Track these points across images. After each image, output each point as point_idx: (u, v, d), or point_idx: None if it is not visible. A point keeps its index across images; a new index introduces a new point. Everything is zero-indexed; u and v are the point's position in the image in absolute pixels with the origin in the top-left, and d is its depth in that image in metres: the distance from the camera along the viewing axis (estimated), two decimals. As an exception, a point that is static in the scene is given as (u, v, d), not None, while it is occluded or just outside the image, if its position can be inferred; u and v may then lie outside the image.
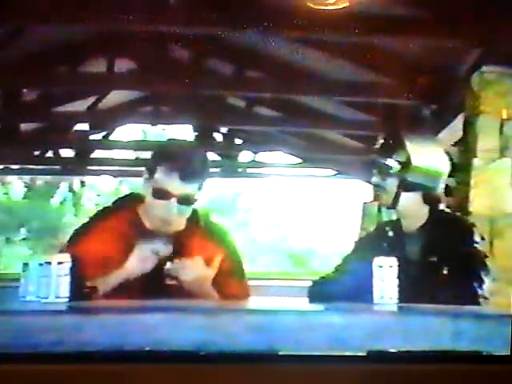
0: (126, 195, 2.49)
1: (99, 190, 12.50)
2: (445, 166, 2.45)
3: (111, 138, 7.24)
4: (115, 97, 6.34)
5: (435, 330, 1.61)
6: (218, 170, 7.24)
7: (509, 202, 3.84)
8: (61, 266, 1.85)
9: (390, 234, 2.45)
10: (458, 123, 4.30)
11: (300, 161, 7.23)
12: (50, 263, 1.85)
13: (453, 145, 4.24)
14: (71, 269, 1.87)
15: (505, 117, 3.91)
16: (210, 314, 1.66)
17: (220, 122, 6.57)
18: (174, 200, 2.17)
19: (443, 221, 2.41)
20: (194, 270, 2.14)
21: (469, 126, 4.04)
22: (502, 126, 3.92)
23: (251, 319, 1.63)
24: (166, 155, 2.23)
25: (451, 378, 1.56)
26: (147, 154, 2.41)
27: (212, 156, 6.99)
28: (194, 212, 2.32)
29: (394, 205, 2.42)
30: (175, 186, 2.16)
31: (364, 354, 1.58)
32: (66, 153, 7.29)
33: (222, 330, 1.56)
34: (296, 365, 1.55)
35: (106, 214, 2.33)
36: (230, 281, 2.27)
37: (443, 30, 3.90)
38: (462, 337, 1.58)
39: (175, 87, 5.25)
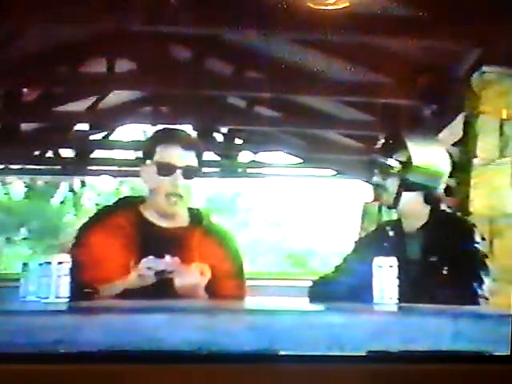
0: (127, 196, 2.51)
1: (99, 190, 12.50)
2: (446, 166, 2.45)
3: (111, 138, 7.23)
4: (115, 97, 6.34)
5: (435, 330, 1.61)
6: (217, 170, 7.24)
7: (509, 201, 3.84)
8: (61, 265, 1.86)
9: (391, 233, 2.45)
10: (458, 123, 4.30)
11: (300, 161, 7.23)
12: (49, 263, 1.85)
13: (453, 145, 4.24)
14: (72, 269, 1.87)
15: (505, 117, 3.91)
16: (210, 314, 1.66)
17: (220, 122, 6.58)
18: (179, 173, 2.24)
19: (444, 221, 2.41)
20: (188, 277, 2.15)
21: (469, 126, 4.04)
22: (501, 126, 3.92)
23: (251, 319, 1.63)
24: (163, 134, 2.38)
25: (451, 377, 1.56)
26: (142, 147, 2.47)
27: (212, 156, 7.00)
28: (197, 211, 2.34)
29: (394, 205, 2.42)
30: (178, 155, 2.26)
31: (364, 354, 1.58)
32: (66, 153, 7.28)
33: (222, 330, 1.56)
34: (296, 365, 1.55)
35: (109, 213, 2.34)
36: (230, 281, 2.27)
37: (443, 30, 3.90)
38: (462, 337, 1.58)
39: (175, 87, 5.25)
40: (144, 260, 2.12)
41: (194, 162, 2.29)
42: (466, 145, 4.05)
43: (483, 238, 2.43)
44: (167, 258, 2.13)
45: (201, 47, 5.50)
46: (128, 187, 11.56)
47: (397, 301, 1.96)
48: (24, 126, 6.38)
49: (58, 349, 1.50)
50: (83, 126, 6.86)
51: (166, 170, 2.26)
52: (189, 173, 2.27)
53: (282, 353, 1.58)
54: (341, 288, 2.23)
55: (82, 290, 2.02)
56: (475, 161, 3.90)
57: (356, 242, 2.62)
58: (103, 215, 2.35)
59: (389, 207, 2.47)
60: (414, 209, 2.42)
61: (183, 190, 2.27)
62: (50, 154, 7.16)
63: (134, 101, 6.61)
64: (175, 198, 2.26)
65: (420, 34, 4.00)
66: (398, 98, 5.06)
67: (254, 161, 7.38)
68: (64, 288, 1.85)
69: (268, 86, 5.18)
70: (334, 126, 6.27)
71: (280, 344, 1.57)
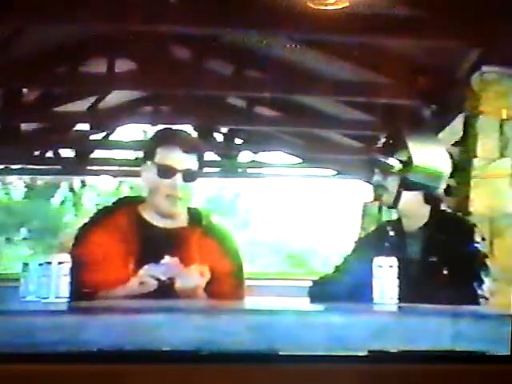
0: (126, 196, 2.51)
1: (99, 190, 12.50)
2: (446, 166, 2.45)
3: (111, 137, 7.23)
4: (115, 97, 6.34)
5: (435, 330, 1.61)
6: (217, 169, 7.24)
7: (509, 201, 3.84)
8: (61, 265, 1.86)
9: (391, 233, 2.45)
10: (457, 123, 4.30)
11: (300, 161, 7.23)
12: (50, 263, 1.85)
13: (453, 145, 4.24)
14: (72, 269, 1.87)
15: (505, 117, 3.91)
16: (210, 314, 1.66)
17: (220, 122, 6.58)
18: (179, 176, 2.23)
19: (444, 221, 2.41)
20: (189, 280, 2.15)
21: (469, 126, 4.04)
22: (501, 126, 3.92)
23: (251, 319, 1.63)
24: (165, 135, 2.36)
25: (451, 377, 1.56)
26: (143, 148, 2.46)
27: (212, 156, 7.00)
28: (196, 211, 2.33)
29: (394, 204, 2.42)
30: (179, 158, 2.25)
31: (364, 353, 1.58)
32: (66, 153, 7.29)
33: (222, 329, 1.56)
34: (296, 365, 1.55)
35: (108, 213, 2.34)
36: (230, 281, 2.27)
37: (443, 30, 3.89)
38: (462, 337, 1.58)
39: (175, 87, 5.25)
40: (146, 267, 2.11)
41: (195, 165, 2.28)
42: (466, 145, 4.05)
43: (483, 238, 2.42)
44: (166, 258, 2.13)
45: (201, 47, 5.50)
46: (128, 187, 11.55)
47: (397, 301, 1.96)
48: (24, 126, 6.38)
49: (58, 349, 1.50)
50: (83, 126, 6.86)
51: (166, 172, 2.25)
52: (189, 176, 2.27)
53: (282, 353, 1.58)
54: (341, 288, 2.23)
55: (82, 290, 2.01)
56: (475, 161, 3.90)
57: (356, 242, 2.62)
58: (102, 215, 2.35)
59: (389, 207, 2.46)
60: (414, 209, 2.42)
61: (183, 193, 2.27)
62: (49, 154, 7.16)
63: (134, 101, 6.61)
64: (175, 200, 2.26)
65: (420, 34, 4.00)
66: (398, 98, 5.06)
67: (253, 161, 7.39)
68: (64, 288, 1.85)
69: (268, 85, 5.18)
70: (334, 125, 6.27)
71: (280, 344, 1.57)
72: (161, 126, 2.63)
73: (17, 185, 11.72)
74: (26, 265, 1.87)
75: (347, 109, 5.80)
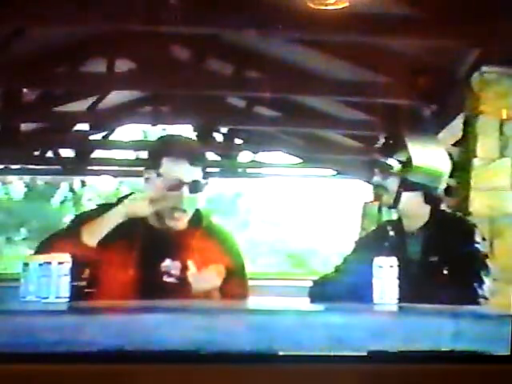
0: (127, 195, 2.48)
1: (99, 190, 12.50)
2: (446, 166, 2.45)
3: (111, 138, 7.24)
4: (115, 97, 6.34)
5: (435, 330, 1.61)
6: (217, 170, 7.24)
7: (509, 201, 3.84)
8: (61, 265, 1.86)
9: (391, 233, 2.45)
10: (457, 123, 4.30)
11: (300, 161, 7.23)
12: (50, 263, 1.85)
13: (453, 145, 4.24)
14: (72, 269, 1.87)
15: (505, 117, 3.91)
16: (210, 314, 1.66)
17: (220, 122, 6.58)
18: (185, 188, 2.22)
19: (444, 221, 2.41)
20: (208, 281, 2.16)
21: (469, 126, 4.04)
22: (501, 126, 3.92)
23: (251, 319, 1.63)
24: (170, 145, 2.32)
25: (451, 377, 1.55)
26: (147, 154, 2.43)
27: (212, 156, 7.00)
28: (197, 212, 2.32)
29: (395, 204, 2.42)
30: (186, 171, 2.22)
31: (364, 354, 1.58)
32: (66, 153, 7.29)
33: (222, 329, 1.56)
34: (296, 365, 1.55)
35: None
36: (231, 281, 2.27)
37: (443, 30, 3.90)
38: (462, 337, 1.57)
39: (175, 87, 5.25)
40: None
41: (201, 176, 2.26)
42: (466, 145, 4.05)
43: (483, 238, 2.42)
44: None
45: (201, 47, 5.50)
46: (128, 187, 11.55)
47: (397, 301, 1.96)
48: (24, 126, 6.39)
49: (57, 349, 1.50)
50: (83, 126, 6.86)
51: (172, 185, 2.22)
52: (195, 188, 2.25)
53: (282, 353, 1.58)
54: (341, 288, 2.23)
55: (82, 290, 2.01)
56: (475, 161, 3.90)
57: (356, 242, 2.62)
58: (102, 212, 2.34)
59: (389, 207, 2.46)
60: (414, 209, 2.42)
61: (188, 205, 2.25)
62: (49, 154, 7.17)
63: (134, 101, 6.61)
64: (179, 212, 2.24)
65: (420, 34, 4.00)
66: (398, 98, 5.06)
67: (253, 161, 7.39)
68: (64, 288, 1.85)
69: (268, 86, 5.18)
70: (334, 125, 6.27)
71: (280, 344, 1.57)
72: (161, 127, 2.62)
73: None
74: (25, 265, 1.87)
75: (347, 109, 5.80)
